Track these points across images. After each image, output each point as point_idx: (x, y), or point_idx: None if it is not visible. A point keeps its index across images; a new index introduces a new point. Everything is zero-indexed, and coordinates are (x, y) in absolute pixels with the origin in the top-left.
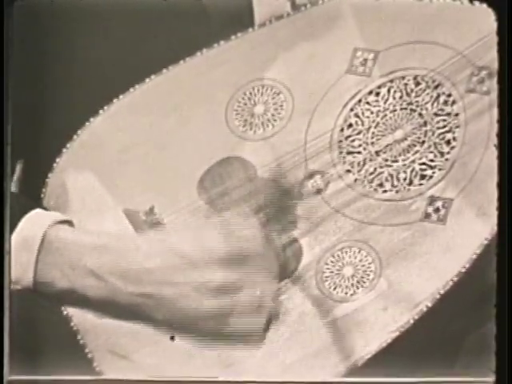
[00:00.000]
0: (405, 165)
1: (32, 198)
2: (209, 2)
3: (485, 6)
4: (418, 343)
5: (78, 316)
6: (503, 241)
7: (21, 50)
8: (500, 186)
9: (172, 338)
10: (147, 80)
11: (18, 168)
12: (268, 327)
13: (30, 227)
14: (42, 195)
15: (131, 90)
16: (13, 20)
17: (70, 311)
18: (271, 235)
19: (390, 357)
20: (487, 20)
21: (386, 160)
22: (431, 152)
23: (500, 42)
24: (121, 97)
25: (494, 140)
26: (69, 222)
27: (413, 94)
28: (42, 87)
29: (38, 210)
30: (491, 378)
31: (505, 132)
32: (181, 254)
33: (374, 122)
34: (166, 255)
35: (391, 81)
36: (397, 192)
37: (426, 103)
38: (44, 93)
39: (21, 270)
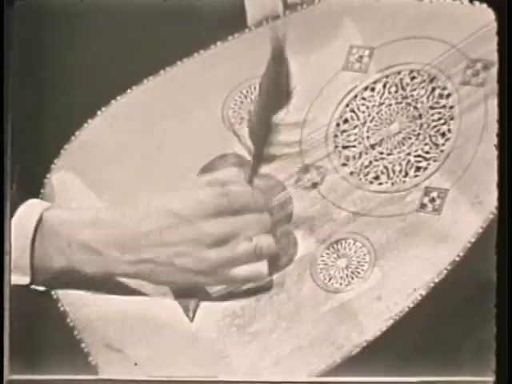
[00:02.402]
0: (400, 157)
1: (31, 198)
2: (204, 3)
3: (485, 5)
4: (416, 342)
5: (74, 312)
6: (503, 241)
7: (21, 50)
8: (500, 185)
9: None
10: (145, 81)
11: (17, 170)
12: (271, 271)
13: (25, 214)
14: (41, 196)
15: (129, 91)
16: (13, 20)
17: (66, 307)
18: (261, 193)
19: (387, 355)
20: (482, 14)
21: (382, 153)
22: (426, 144)
23: (500, 42)
24: (118, 98)
25: (494, 137)
26: None
27: (408, 88)
28: (41, 87)
29: (32, 200)
30: (491, 378)
31: (505, 132)
32: (173, 212)
33: (369, 116)
34: (159, 216)
35: (387, 76)
36: (392, 184)
37: (422, 96)
38: (43, 93)
39: (17, 256)
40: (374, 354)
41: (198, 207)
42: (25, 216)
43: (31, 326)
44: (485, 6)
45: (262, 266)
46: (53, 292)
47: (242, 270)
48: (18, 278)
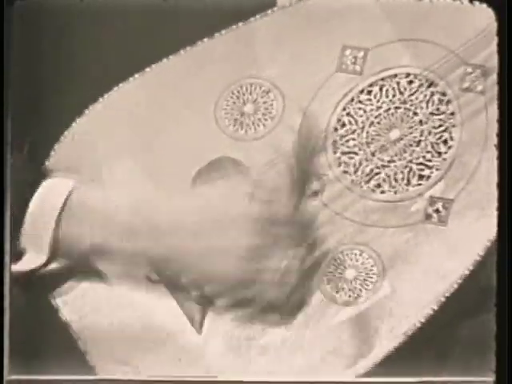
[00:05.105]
0: (402, 165)
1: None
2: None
3: (485, 5)
4: (415, 341)
5: (76, 322)
6: (503, 241)
7: (21, 50)
8: (500, 185)
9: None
10: (131, 79)
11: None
12: (293, 304)
13: (52, 191)
14: None
15: (115, 88)
16: (13, 20)
17: (68, 318)
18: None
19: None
20: (481, 18)
21: (383, 160)
22: (428, 152)
23: (500, 42)
24: (105, 96)
25: (494, 140)
26: None
27: (406, 93)
28: (41, 87)
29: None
30: (491, 378)
31: (505, 132)
32: (213, 214)
33: (368, 120)
34: (200, 212)
35: (382, 79)
36: (395, 193)
37: (421, 102)
38: (43, 93)
39: (38, 234)
40: None
41: (236, 216)
42: (52, 193)
43: (31, 327)
44: (485, 6)
45: (282, 292)
46: (52, 300)
47: (262, 291)
48: (33, 256)
